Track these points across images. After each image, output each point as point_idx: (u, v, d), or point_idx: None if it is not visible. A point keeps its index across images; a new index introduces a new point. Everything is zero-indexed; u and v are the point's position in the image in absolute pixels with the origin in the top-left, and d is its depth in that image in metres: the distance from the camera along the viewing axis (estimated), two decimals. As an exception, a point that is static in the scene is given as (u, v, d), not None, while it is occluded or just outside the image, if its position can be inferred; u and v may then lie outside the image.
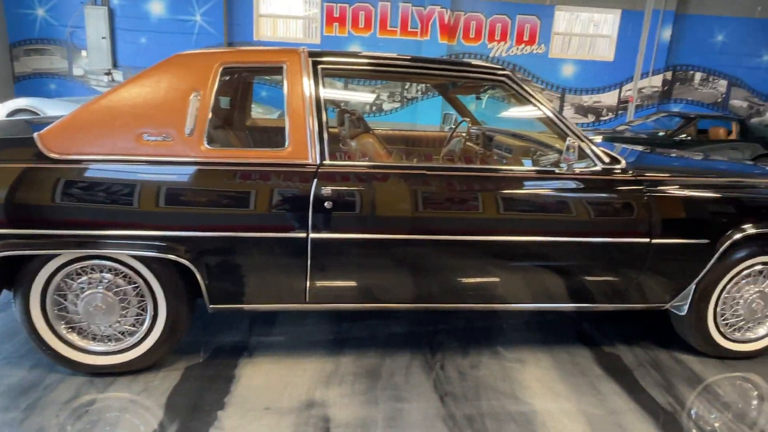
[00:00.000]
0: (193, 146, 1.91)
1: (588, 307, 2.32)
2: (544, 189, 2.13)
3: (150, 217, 1.89)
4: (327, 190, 1.95)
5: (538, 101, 2.20)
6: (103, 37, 8.42)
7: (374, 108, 8.86)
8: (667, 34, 8.94)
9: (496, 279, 2.19)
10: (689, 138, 7.14)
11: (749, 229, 2.24)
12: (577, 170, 2.15)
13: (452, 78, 2.17)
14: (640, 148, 3.34)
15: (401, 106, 8.81)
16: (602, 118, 8.54)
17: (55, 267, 1.96)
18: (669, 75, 9.41)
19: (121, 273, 2.02)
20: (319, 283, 2.07)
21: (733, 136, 7.26)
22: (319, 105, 2.00)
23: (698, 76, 9.54)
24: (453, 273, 2.14)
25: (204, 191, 1.91)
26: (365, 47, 8.70)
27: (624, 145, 3.27)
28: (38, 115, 6.73)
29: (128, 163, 1.87)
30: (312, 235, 1.98)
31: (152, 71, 1.96)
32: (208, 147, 1.92)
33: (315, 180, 1.96)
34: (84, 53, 8.53)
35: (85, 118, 1.88)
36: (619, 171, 2.20)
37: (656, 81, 9.25)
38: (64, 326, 2.05)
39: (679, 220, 2.21)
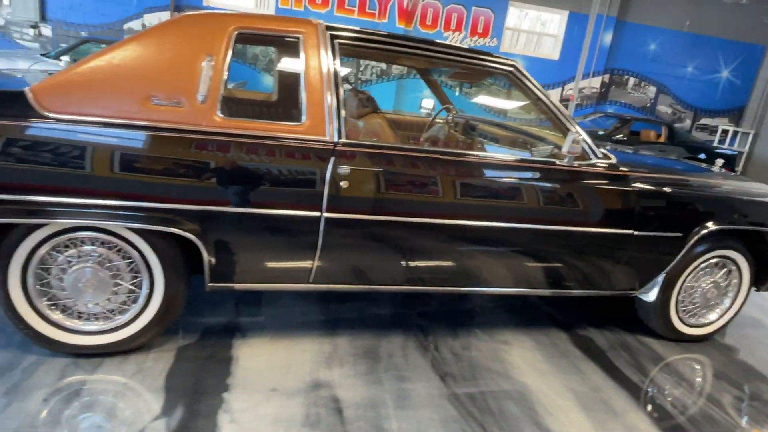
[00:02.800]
0: (205, 115, 1.79)
1: (563, 292, 2.46)
2: (544, 180, 2.22)
3: (155, 188, 1.76)
4: (344, 169, 1.91)
5: (542, 93, 2.27)
6: (30, -15, 7.56)
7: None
8: (608, 38, 9.50)
9: (492, 264, 2.26)
10: (624, 138, 7.67)
11: (711, 225, 2.47)
12: (576, 163, 2.26)
13: (466, 65, 2.18)
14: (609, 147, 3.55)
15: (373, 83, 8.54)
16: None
17: (41, 237, 1.78)
18: (607, 78, 10.03)
19: (115, 246, 1.87)
20: (326, 264, 2.04)
21: (662, 139, 7.90)
22: (336, 80, 1.95)
23: (632, 80, 10.25)
24: (459, 257, 2.19)
25: (215, 164, 1.80)
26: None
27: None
28: (-47, 67, 5.98)
29: (133, 128, 1.72)
30: (326, 215, 1.94)
31: (161, 29, 1.81)
32: (221, 117, 1.81)
33: (332, 158, 1.91)
34: (6, 1, 7.62)
35: (86, 75, 1.70)
36: (611, 167, 2.33)
37: (595, 82, 9.84)
38: (45, 303, 1.87)
39: (660, 214, 2.39)
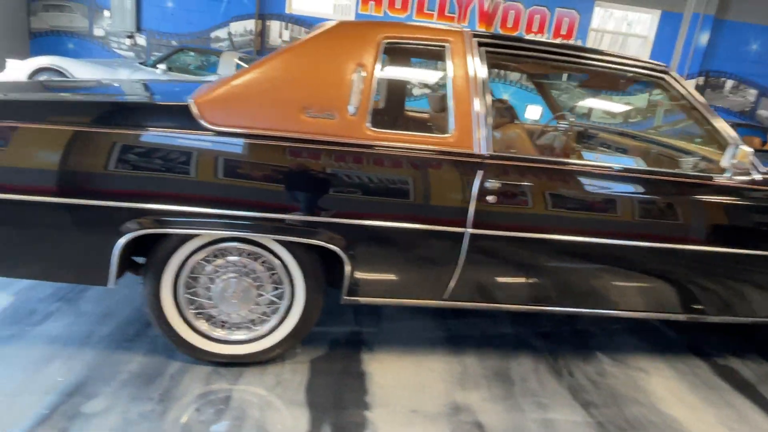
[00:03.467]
0: (357, 127, 1.75)
1: (700, 318, 2.24)
2: (698, 195, 2.02)
3: (305, 200, 1.74)
4: (493, 183, 1.82)
5: (698, 101, 2.08)
6: (128, -2, 8.04)
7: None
8: (704, 38, 8.87)
9: (631, 285, 2.09)
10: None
11: None
12: (737, 179, 2.05)
13: (616, 71, 2.03)
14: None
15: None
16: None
17: (193, 248, 1.81)
18: (701, 80, 9.37)
19: (259, 257, 1.87)
20: (464, 281, 1.95)
21: (767, 147, 7.28)
22: (484, 90, 1.86)
23: (729, 83, 9.53)
24: (600, 277, 2.04)
25: (365, 176, 1.76)
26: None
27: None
28: (64, 75, 6.41)
29: (287, 141, 1.71)
30: (471, 230, 1.85)
31: (313, 40, 1.79)
32: (371, 129, 1.76)
33: (480, 171, 1.82)
34: (107, 13, 8.12)
35: (244, 88, 1.71)
36: (772, 181, 2.10)
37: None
38: (192, 311, 1.90)
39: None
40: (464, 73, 1.86)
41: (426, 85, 2.80)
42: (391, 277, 1.92)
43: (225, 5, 8.08)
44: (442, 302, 2.03)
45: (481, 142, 1.83)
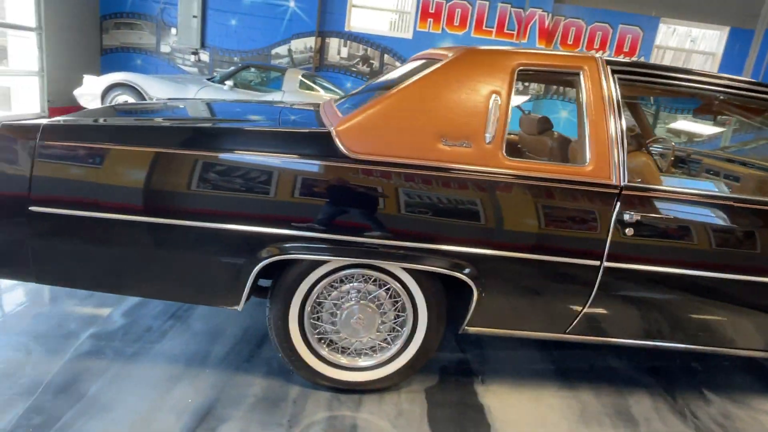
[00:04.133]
0: (493, 156, 1.72)
1: None
2: None
3: (439, 229, 1.71)
4: (631, 215, 1.75)
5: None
6: (195, 16, 8.32)
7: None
8: (776, 55, 8.52)
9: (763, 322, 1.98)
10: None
11: None
12: None
13: (756, 100, 1.94)
14: None
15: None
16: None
17: (322, 273, 1.80)
18: (772, 98, 8.94)
19: (384, 284, 1.86)
20: (592, 315, 1.88)
21: None
22: (620, 118, 1.80)
23: (802, 101, 9.05)
24: (734, 314, 1.94)
25: (501, 207, 1.72)
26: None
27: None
28: (137, 91, 6.66)
29: (426, 169, 1.69)
30: (606, 264, 1.78)
31: (446, 69, 1.78)
32: (507, 158, 1.73)
33: (617, 203, 1.76)
34: (173, 31, 8.44)
35: (383, 117, 1.70)
36: None
37: (756, 104, 8.79)
38: (316, 336, 1.89)
39: None
40: (600, 102, 1.81)
41: (557, 112, 2.74)
42: (517, 308, 1.87)
43: (285, 23, 8.27)
44: (563, 335, 1.96)
45: (618, 172, 1.77)
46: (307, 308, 1.84)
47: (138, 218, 1.64)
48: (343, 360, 1.93)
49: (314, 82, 7.12)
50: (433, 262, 1.73)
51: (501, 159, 1.72)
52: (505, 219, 1.73)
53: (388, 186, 1.68)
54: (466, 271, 1.75)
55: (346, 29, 8.49)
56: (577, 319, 1.90)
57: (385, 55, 8.61)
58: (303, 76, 7.03)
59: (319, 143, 1.69)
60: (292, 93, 6.81)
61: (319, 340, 1.91)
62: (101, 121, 1.83)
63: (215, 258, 1.71)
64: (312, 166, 1.66)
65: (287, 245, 1.68)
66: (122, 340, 2.10)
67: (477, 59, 1.80)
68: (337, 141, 1.68)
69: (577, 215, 1.76)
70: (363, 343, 1.92)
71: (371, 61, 8.66)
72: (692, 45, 9.16)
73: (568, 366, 2.35)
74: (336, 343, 1.92)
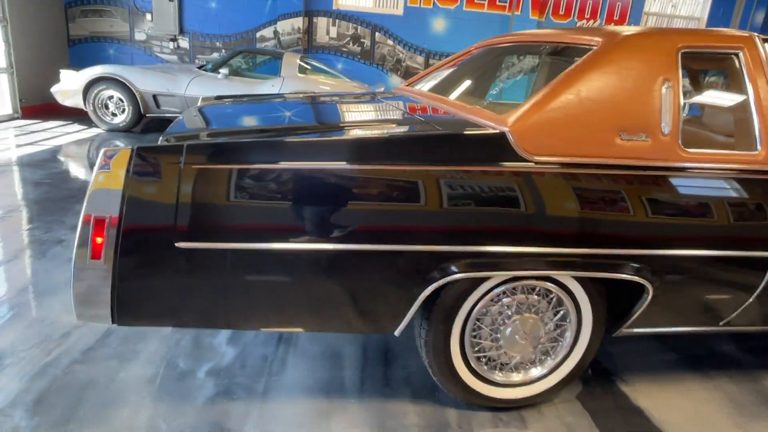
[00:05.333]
0: (671, 149, 1.59)
1: None
2: None
3: (616, 231, 1.57)
4: (807, 203, 1.67)
5: None
6: (171, 0, 7.75)
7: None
8: (759, 17, 8.72)
9: None
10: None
11: None
12: None
13: None
14: None
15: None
16: None
17: (487, 288, 1.65)
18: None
19: (546, 295, 1.72)
20: (755, 306, 1.81)
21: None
22: (786, 100, 1.70)
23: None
24: None
25: (679, 202, 1.60)
26: (451, 20, 8.24)
27: None
28: (124, 85, 6.16)
29: (611, 168, 1.55)
30: (779, 254, 1.70)
31: (608, 56, 1.61)
32: (684, 149, 1.60)
33: (792, 191, 1.67)
34: (149, 17, 7.82)
35: (561, 113, 1.53)
36: None
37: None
38: (474, 355, 1.74)
39: None
40: (765, 82, 1.70)
41: (717, 96, 2.62)
42: (685, 307, 1.78)
43: (270, 2, 7.81)
44: (716, 328, 1.89)
45: (789, 158, 1.67)
46: (469, 326, 1.69)
47: (311, 246, 1.43)
48: (502, 377, 1.79)
49: (309, 65, 6.78)
50: (621, 269, 1.60)
51: (678, 151, 1.59)
52: (681, 215, 1.61)
53: (576, 189, 1.53)
54: (642, 273, 1.63)
55: (334, 8, 8.11)
56: (738, 311, 1.82)
57: (377, 33, 8.30)
58: (300, 59, 6.68)
59: (494, 145, 1.51)
60: (291, 79, 6.47)
61: (478, 358, 1.76)
62: (248, 137, 1.57)
63: (387, 283, 1.52)
64: (489, 172, 1.49)
65: (462, 263, 1.51)
66: (244, 375, 1.89)
67: (638, 44, 1.65)
68: (512, 141, 1.51)
69: (749, 205, 1.66)
70: (524, 357, 1.78)
71: (362, 40, 8.34)
72: (673, 10, 9.25)
73: (690, 353, 2.30)
74: (494, 360, 1.78)
